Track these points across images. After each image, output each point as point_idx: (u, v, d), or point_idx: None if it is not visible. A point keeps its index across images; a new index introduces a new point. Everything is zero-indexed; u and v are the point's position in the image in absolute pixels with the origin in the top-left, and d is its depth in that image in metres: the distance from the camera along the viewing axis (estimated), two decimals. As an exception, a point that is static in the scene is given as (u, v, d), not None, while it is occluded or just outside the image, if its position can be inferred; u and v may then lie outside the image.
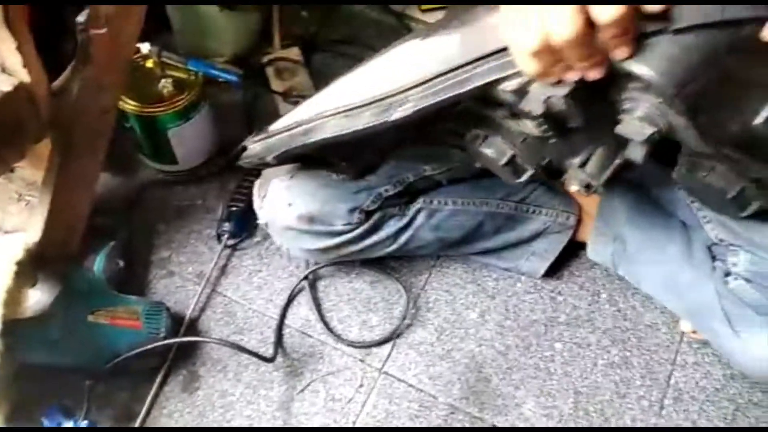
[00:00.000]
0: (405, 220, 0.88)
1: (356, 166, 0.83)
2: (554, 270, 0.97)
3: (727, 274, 0.74)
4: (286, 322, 0.95)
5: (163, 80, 0.95)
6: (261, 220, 0.89)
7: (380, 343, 0.92)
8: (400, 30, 1.17)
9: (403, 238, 0.88)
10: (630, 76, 0.48)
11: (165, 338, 0.86)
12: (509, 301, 0.96)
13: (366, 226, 0.85)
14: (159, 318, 0.87)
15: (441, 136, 0.79)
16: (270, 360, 0.88)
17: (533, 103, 0.53)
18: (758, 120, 0.50)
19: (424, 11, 1.16)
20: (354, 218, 0.84)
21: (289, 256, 0.99)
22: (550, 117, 0.54)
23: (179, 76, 0.96)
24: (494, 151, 0.65)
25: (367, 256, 0.91)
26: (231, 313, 0.96)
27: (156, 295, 0.97)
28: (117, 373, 0.83)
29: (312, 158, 0.82)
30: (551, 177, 0.65)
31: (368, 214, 0.85)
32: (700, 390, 0.89)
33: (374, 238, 0.87)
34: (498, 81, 0.53)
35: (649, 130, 0.52)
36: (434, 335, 0.94)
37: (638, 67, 0.46)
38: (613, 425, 0.87)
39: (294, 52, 1.12)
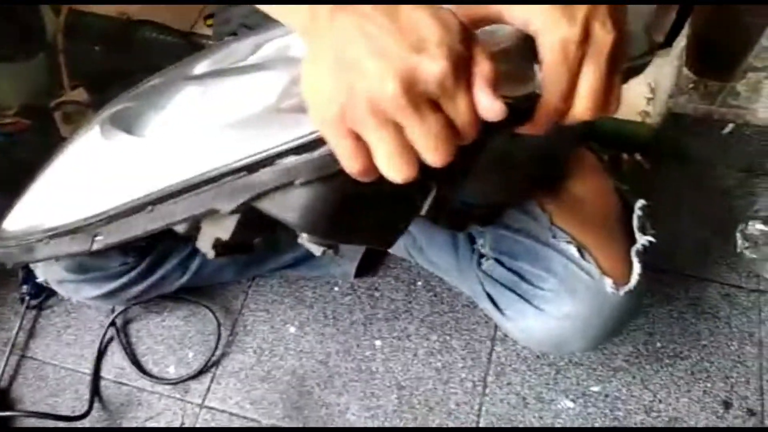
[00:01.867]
0: (189, 248, 0.85)
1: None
2: (369, 267, 0.96)
3: (481, 256, 0.73)
4: (102, 374, 0.91)
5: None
6: (40, 278, 0.85)
7: (193, 377, 0.89)
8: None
9: (193, 266, 0.85)
10: None
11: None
12: (327, 307, 0.94)
13: (146, 263, 0.82)
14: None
15: None
16: (81, 417, 0.85)
17: (204, 245, 0.49)
18: (420, 214, 0.49)
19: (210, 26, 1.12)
20: (128, 258, 0.80)
21: (96, 305, 0.95)
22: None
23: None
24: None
25: (163, 291, 0.87)
26: (43, 377, 0.92)
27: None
28: None
29: None
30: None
31: (145, 251, 0.82)
32: (521, 361, 0.89)
33: (160, 272, 0.84)
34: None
35: (319, 249, 0.49)
36: (254, 358, 0.91)
37: (281, 216, 0.44)
38: (437, 413, 0.86)
39: (80, 93, 1.08)
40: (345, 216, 0.45)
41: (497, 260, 0.70)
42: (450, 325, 0.92)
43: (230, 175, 0.43)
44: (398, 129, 0.33)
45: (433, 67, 0.31)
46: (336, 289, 0.96)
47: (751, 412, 0.84)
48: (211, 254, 0.49)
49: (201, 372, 0.90)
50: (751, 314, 0.90)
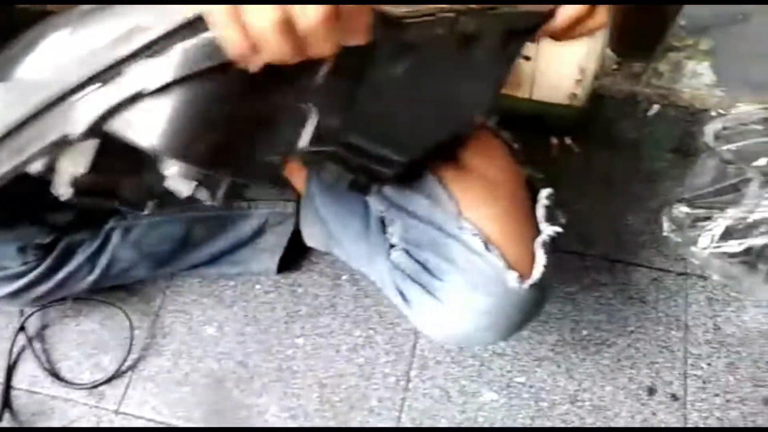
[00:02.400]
0: (96, 243, 0.81)
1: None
2: (292, 262, 0.93)
3: (392, 246, 0.70)
4: (14, 383, 0.88)
5: None
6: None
7: (107, 382, 0.86)
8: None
9: (102, 262, 0.82)
10: None
11: None
12: (248, 306, 0.92)
13: (49, 261, 0.79)
14: None
15: None
16: (-11, 430, 0.81)
17: (62, 184, 0.45)
18: (302, 144, 0.47)
19: None
20: (29, 256, 0.77)
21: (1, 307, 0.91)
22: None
23: None
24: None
25: (73, 290, 0.84)
26: (-49, 388, 0.88)
27: None
28: None
29: None
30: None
31: (48, 248, 0.79)
32: (445, 353, 0.87)
33: (66, 270, 0.80)
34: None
35: (188, 186, 0.45)
36: (171, 361, 0.89)
37: (138, 139, 0.40)
38: (358, 410, 0.84)
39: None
40: (213, 135, 0.41)
41: (405, 250, 0.67)
42: (374, 320, 0.90)
43: (79, 91, 0.39)
44: None
45: None
46: (258, 287, 0.93)
47: (674, 397, 0.82)
48: (68, 193, 0.44)
49: (115, 377, 0.87)
50: (678, 298, 0.88)
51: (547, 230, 0.65)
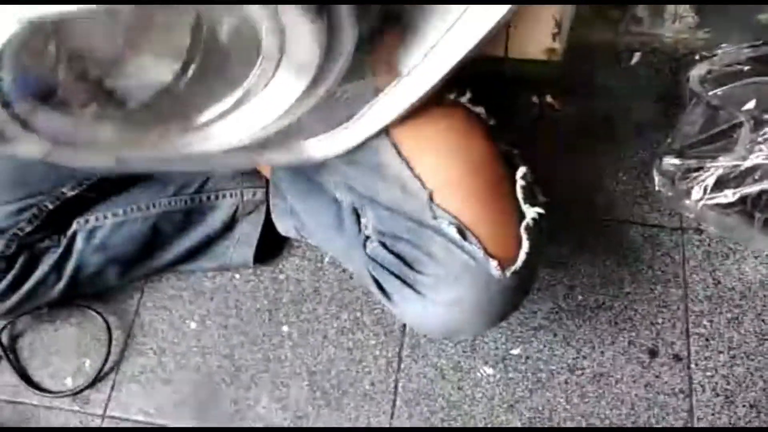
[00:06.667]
0: (60, 249, 0.78)
1: None
2: (271, 249, 0.89)
3: (367, 238, 0.66)
4: (-6, 395, 0.86)
5: None
6: None
7: (89, 386, 0.84)
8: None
9: (68, 270, 0.79)
10: None
11: None
12: (229, 297, 0.88)
13: (14, 272, 0.76)
14: None
15: None
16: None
17: None
18: None
19: None
20: None
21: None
22: None
23: None
24: None
25: (43, 300, 0.81)
26: (-69, 405, 0.86)
27: None
28: None
29: None
30: None
31: (11, 259, 0.75)
32: (436, 330, 0.84)
33: (32, 280, 0.78)
34: None
35: None
36: (154, 359, 0.86)
37: None
38: (351, 396, 0.81)
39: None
40: None
41: (381, 243, 0.63)
42: (361, 301, 0.86)
43: None
44: None
45: None
46: (237, 276, 0.90)
47: (677, 358, 0.79)
48: None
49: (97, 380, 0.84)
50: (674, 254, 0.85)
51: (530, 213, 0.60)
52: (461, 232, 0.58)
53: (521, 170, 0.62)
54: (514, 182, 0.62)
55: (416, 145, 0.60)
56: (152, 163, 0.59)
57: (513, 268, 0.58)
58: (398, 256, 0.62)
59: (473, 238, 0.57)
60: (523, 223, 0.59)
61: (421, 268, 0.60)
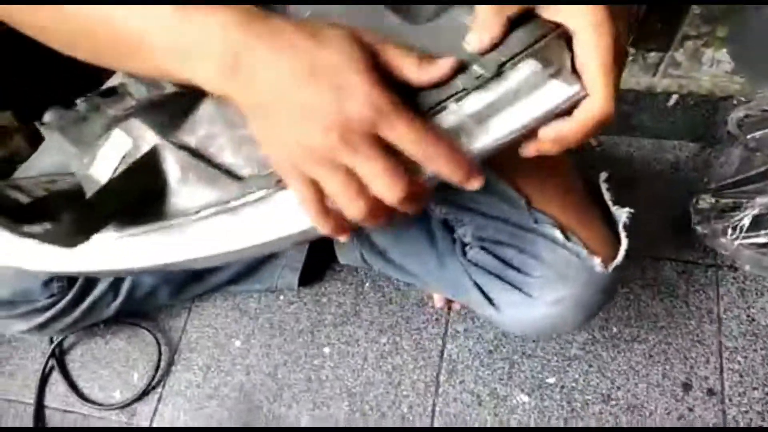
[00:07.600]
0: None
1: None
2: (313, 272, 0.93)
3: (464, 245, 0.70)
4: (47, 402, 0.89)
5: None
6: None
7: (138, 399, 0.87)
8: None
9: (124, 289, 0.83)
10: None
11: None
12: (273, 317, 0.92)
13: (74, 291, 0.79)
14: None
15: None
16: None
17: None
18: None
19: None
20: (54, 288, 0.78)
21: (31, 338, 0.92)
22: None
23: None
24: None
25: (99, 318, 0.84)
26: (-14, 411, 0.89)
27: None
28: None
29: None
30: None
31: (71, 279, 0.79)
32: (473, 356, 0.86)
33: (90, 299, 0.81)
34: None
35: None
36: (200, 375, 0.89)
37: None
38: (389, 418, 0.83)
39: (6, 117, 1.04)
40: None
41: (482, 248, 0.67)
42: (400, 326, 0.89)
43: None
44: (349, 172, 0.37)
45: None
46: (281, 297, 0.93)
47: (711, 392, 0.81)
48: None
49: (145, 393, 0.87)
50: (709, 291, 0.87)
51: (622, 212, 0.65)
52: (563, 233, 0.61)
53: (603, 174, 0.66)
54: (587, 188, 0.66)
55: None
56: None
57: (615, 263, 0.62)
58: (502, 260, 0.65)
59: (575, 237, 0.61)
60: (620, 222, 0.64)
61: (529, 270, 0.64)
